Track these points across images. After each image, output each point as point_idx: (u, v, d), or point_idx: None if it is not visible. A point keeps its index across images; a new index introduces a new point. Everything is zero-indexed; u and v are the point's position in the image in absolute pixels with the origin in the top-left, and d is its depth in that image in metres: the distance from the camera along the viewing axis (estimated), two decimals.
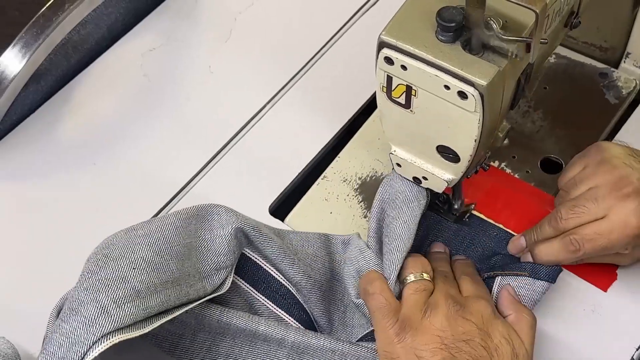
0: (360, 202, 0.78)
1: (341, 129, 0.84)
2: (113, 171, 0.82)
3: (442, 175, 0.67)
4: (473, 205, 0.76)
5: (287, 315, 0.69)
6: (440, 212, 0.75)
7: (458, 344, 0.60)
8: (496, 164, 0.79)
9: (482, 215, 0.75)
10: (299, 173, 0.81)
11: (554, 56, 0.86)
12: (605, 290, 0.71)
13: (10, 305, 0.73)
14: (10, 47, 0.80)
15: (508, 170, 0.79)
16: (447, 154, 0.64)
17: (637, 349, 0.68)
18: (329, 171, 0.81)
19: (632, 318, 0.69)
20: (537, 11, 0.53)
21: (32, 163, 0.84)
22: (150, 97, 0.88)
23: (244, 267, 0.69)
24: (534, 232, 0.70)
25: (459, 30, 0.57)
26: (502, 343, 0.61)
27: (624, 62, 0.84)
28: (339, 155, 0.82)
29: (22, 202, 0.81)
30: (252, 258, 0.69)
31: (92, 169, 0.83)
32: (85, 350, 0.56)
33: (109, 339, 0.56)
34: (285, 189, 0.80)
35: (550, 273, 0.68)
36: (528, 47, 0.57)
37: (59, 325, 0.58)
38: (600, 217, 0.65)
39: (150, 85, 0.89)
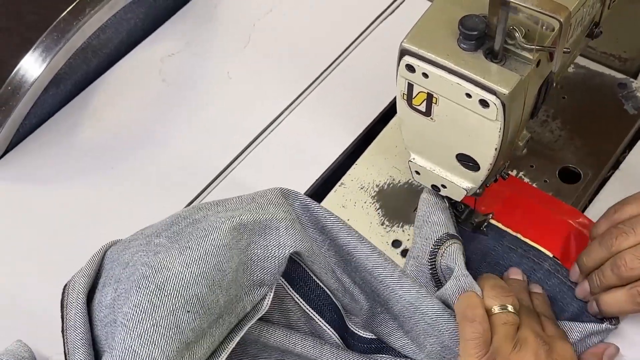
0: (378, 209, 0.78)
1: (359, 136, 0.84)
2: (131, 175, 0.83)
3: (461, 184, 0.67)
4: (491, 215, 0.75)
5: (319, 317, 0.67)
6: (458, 221, 0.75)
7: None
8: (514, 173, 0.79)
9: (500, 225, 0.75)
10: (317, 179, 0.81)
11: (572, 66, 0.86)
12: None
13: (27, 309, 0.73)
14: (31, 51, 0.81)
15: (526, 180, 0.79)
16: (467, 162, 0.64)
17: None
18: (346, 178, 0.81)
19: None
20: (561, 20, 0.53)
21: (50, 166, 0.84)
22: (169, 103, 0.89)
23: None
24: (596, 278, 0.67)
25: (481, 38, 0.57)
26: None
27: None
28: (356, 162, 0.82)
29: (41, 205, 0.81)
30: (292, 257, 0.65)
31: (110, 172, 0.83)
32: None
33: None
34: None
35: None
36: (551, 56, 0.58)
37: None
38: None
39: (169, 91, 0.90)
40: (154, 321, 0.55)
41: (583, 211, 0.76)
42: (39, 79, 0.81)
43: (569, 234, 0.73)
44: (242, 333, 0.60)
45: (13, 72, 0.81)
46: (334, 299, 0.68)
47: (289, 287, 0.67)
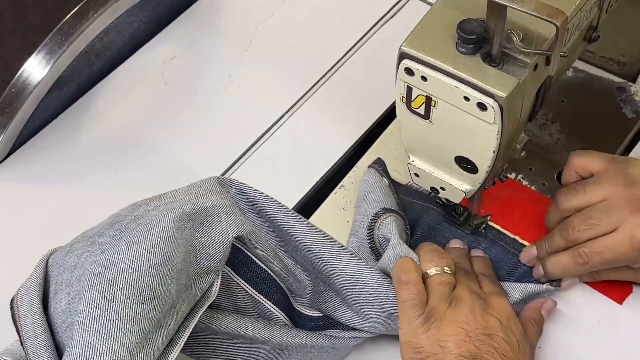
0: None
1: (359, 138, 0.84)
2: (134, 177, 0.83)
3: (459, 186, 0.68)
4: (489, 217, 0.76)
5: (265, 299, 0.68)
6: (457, 223, 0.76)
7: (482, 337, 0.61)
8: (513, 175, 0.79)
9: (498, 227, 0.76)
10: (317, 182, 0.82)
11: (571, 70, 0.87)
12: (620, 303, 0.71)
13: None
14: (35, 54, 0.81)
15: (525, 182, 0.79)
16: (465, 164, 0.65)
17: None
18: (346, 180, 0.81)
19: None
20: (558, 24, 0.53)
21: (53, 168, 0.85)
22: (171, 105, 0.89)
23: None
24: (545, 242, 0.70)
25: (480, 42, 0.58)
26: (522, 340, 0.63)
27: None
28: (356, 165, 0.82)
29: (44, 207, 0.82)
30: (234, 243, 0.66)
31: (112, 174, 0.84)
32: None
33: None
34: (302, 198, 0.80)
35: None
36: (548, 60, 0.58)
37: None
38: (611, 230, 0.66)
39: (171, 93, 0.90)
40: (110, 315, 0.55)
41: None
42: (43, 81, 0.82)
43: None
44: (195, 320, 0.61)
45: (17, 75, 0.81)
46: (278, 281, 0.69)
47: (233, 273, 0.67)
